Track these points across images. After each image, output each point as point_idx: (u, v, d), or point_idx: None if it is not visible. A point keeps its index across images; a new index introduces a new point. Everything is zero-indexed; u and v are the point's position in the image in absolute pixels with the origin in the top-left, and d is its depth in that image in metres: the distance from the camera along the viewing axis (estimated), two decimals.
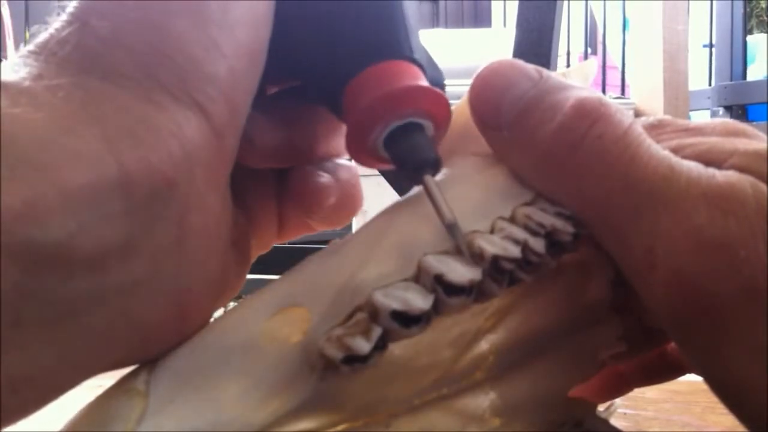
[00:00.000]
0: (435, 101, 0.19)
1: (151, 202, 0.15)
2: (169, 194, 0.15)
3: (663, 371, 0.26)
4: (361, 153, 0.19)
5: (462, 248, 0.17)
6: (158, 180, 0.15)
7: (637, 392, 0.27)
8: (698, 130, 0.19)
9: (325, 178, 0.23)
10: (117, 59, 0.15)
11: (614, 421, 0.23)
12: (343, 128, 0.20)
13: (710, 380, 0.17)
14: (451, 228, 0.18)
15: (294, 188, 0.23)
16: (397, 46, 0.19)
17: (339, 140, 0.23)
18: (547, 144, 0.18)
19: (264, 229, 0.23)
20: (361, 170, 0.21)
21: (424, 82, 0.19)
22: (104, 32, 0.15)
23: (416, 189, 0.20)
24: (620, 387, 0.26)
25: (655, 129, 0.20)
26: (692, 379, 0.18)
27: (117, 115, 0.15)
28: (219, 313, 0.20)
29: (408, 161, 0.18)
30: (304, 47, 0.19)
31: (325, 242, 0.19)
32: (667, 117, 0.21)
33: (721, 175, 0.17)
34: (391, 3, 0.19)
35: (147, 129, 0.15)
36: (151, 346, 0.16)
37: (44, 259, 0.13)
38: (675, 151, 0.18)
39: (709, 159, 0.18)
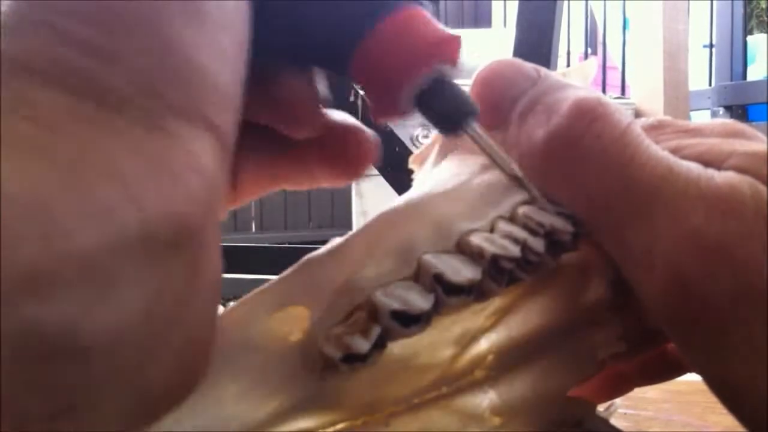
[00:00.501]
0: (456, 46, 0.18)
1: (171, 252, 0.12)
2: (189, 239, 0.13)
3: (663, 371, 0.26)
4: (389, 113, 0.18)
5: (535, 197, 0.18)
6: (182, 225, 0.12)
7: (637, 392, 0.27)
8: (697, 131, 0.19)
9: (365, 131, 0.21)
10: (113, 77, 0.12)
11: (614, 421, 0.23)
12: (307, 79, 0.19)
13: (709, 380, 0.17)
14: (517, 180, 0.18)
15: (342, 145, 0.21)
16: None
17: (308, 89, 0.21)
18: (545, 144, 0.18)
19: (250, 186, 0.22)
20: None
21: (440, 26, 0.18)
22: (89, 42, 0.12)
23: (415, 188, 0.20)
24: (620, 387, 0.26)
25: (655, 130, 0.20)
26: (692, 379, 0.18)
27: (127, 151, 0.12)
28: (219, 312, 0.19)
29: (450, 115, 0.18)
30: (298, 16, 0.17)
31: (325, 242, 0.19)
32: (667, 118, 0.21)
33: (719, 176, 0.17)
34: None
35: (163, 164, 0.12)
36: (158, 413, 0.14)
37: (52, 344, 0.11)
38: (674, 151, 0.18)
39: (708, 160, 0.18)
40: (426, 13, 0.18)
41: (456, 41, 0.17)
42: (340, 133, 0.21)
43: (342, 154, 0.21)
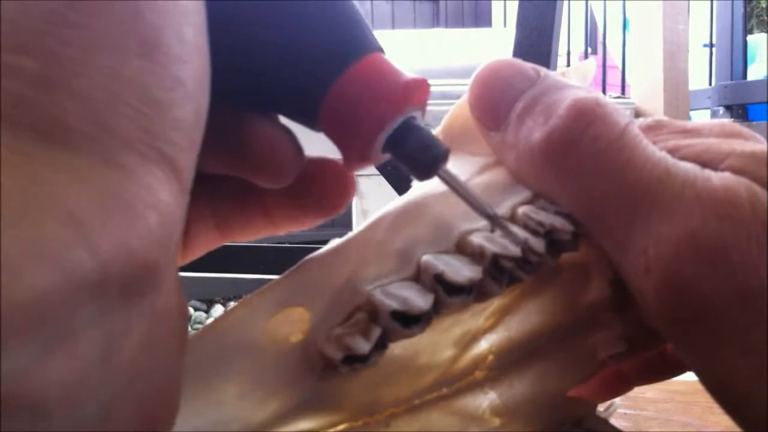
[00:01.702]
0: (425, 89, 0.18)
1: (127, 296, 0.11)
2: (146, 282, 0.12)
3: (663, 370, 0.26)
4: (362, 160, 0.18)
5: (512, 236, 0.17)
6: (138, 267, 0.11)
7: (637, 392, 0.27)
8: (695, 132, 0.19)
9: (344, 169, 0.20)
10: (61, 110, 0.11)
11: (614, 421, 0.23)
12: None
13: (706, 382, 0.17)
14: (493, 219, 0.18)
15: (319, 181, 0.20)
16: (365, 40, 0.17)
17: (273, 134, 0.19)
18: (542, 145, 0.18)
19: (199, 241, 0.21)
20: (362, 170, 0.20)
21: (405, 71, 0.18)
22: (35, 75, 0.11)
23: (415, 188, 0.20)
24: (620, 386, 0.26)
25: (653, 130, 0.20)
26: (692, 379, 0.18)
27: (77, 187, 0.11)
28: (220, 313, 0.19)
29: (422, 159, 0.17)
30: (261, 66, 0.17)
31: (325, 242, 0.19)
32: (665, 118, 0.21)
33: (716, 178, 0.17)
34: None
35: (117, 201, 0.11)
36: None
37: (3, 399, 0.10)
38: (672, 152, 0.18)
39: (706, 160, 0.18)
40: (386, 59, 0.17)
41: (424, 85, 0.17)
42: (315, 172, 0.20)
43: (317, 195, 0.20)
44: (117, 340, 0.11)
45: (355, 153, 0.17)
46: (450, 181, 0.18)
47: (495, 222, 0.18)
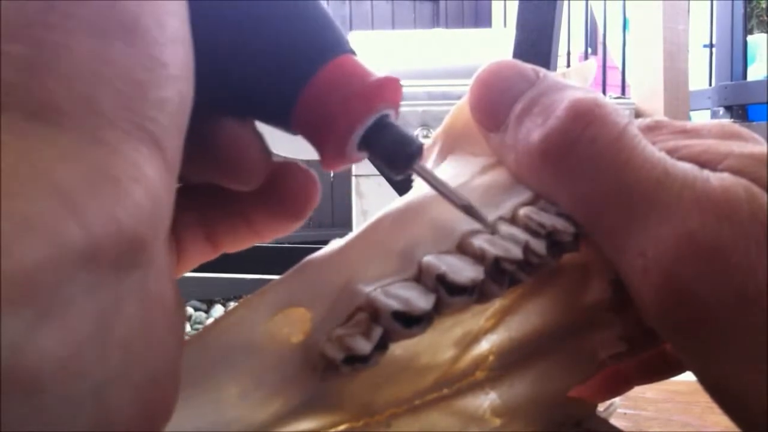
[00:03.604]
0: (396, 88, 0.18)
1: (118, 271, 0.12)
2: (136, 258, 0.12)
3: (663, 370, 0.26)
4: (339, 160, 0.18)
5: (485, 224, 0.18)
6: (127, 241, 0.12)
7: (637, 392, 0.27)
8: (695, 132, 0.19)
9: (309, 174, 0.20)
10: (46, 91, 0.12)
11: (614, 421, 0.23)
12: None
13: (704, 382, 0.17)
14: (467, 209, 0.18)
15: (286, 188, 0.20)
16: (336, 41, 0.17)
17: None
18: (540, 146, 0.18)
19: (191, 254, 0.21)
20: (362, 170, 0.20)
21: (373, 71, 0.18)
22: (18, 57, 0.12)
23: (416, 189, 0.20)
24: (620, 386, 0.26)
25: (652, 130, 0.20)
26: (692, 379, 0.18)
27: (66, 164, 0.11)
28: (220, 313, 0.19)
29: (397, 156, 0.18)
30: (233, 70, 0.17)
31: (325, 242, 0.19)
32: (664, 118, 0.21)
33: (715, 179, 0.17)
34: (311, 1, 0.17)
35: (104, 176, 0.12)
36: None
37: None
38: (671, 152, 0.18)
39: (705, 161, 0.18)
40: (357, 59, 0.18)
41: (395, 83, 0.18)
42: (281, 177, 0.20)
43: (285, 198, 0.20)
44: (109, 315, 0.12)
45: (331, 152, 0.18)
46: (425, 175, 0.18)
47: (471, 214, 0.18)
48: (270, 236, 0.21)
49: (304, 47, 0.17)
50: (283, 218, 0.21)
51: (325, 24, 0.17)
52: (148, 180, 0.12)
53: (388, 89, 0.17)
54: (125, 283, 0.12)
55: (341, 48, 0.17)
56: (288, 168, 0.20)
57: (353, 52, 0.18)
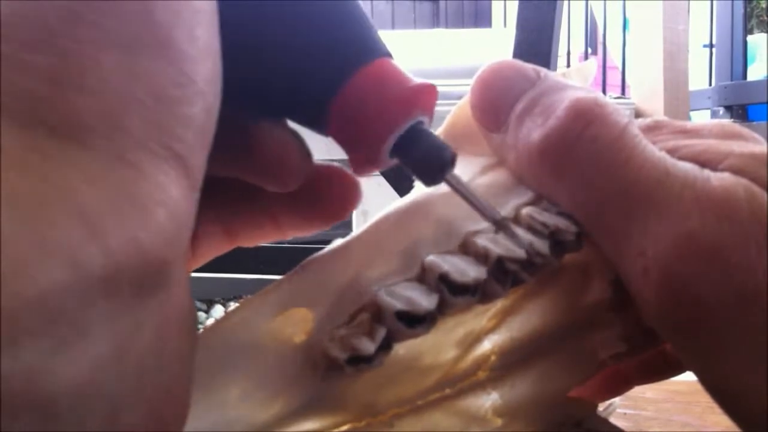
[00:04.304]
0: (432, 94, 0.18)
1: (138, 294, 0.11)
2: (157, 280, 0.12)
3: (663, 370, 0.26)
4: (371, 165, 0.18)
5: (517, 239, 0.18)
6: (150, 265, 0.11)
7: (637, 392, 0.27)
8: (695, 132, 0.19)
9: (352, 177, 0.20)
10: (71, 107, 0.11)
11: (614, 421, 0.23)
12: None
13: (705, 382, 0.17)
14: (499, 223, 0.18)
15: (327, 190, 0.20)
16: (374, 44, 0.17)
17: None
18: (541, 146, 0.18)
19: (206, 248, 0.21)
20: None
21: (411, 76, 0.18)
22: (46, 71, 0.11)
23: (418, 189, 0.20)
24: (620, 386, 0.26)
25: (652, 130, 0.20)
26: (692, 379, 0.18)
27: (89, 185, 0.11)
28: (220, 313, 0.19)
29: (430, 164, 0.17)
30: (270, 70, 0.17)
31: (326, 242, 0.19)
32: (664, 118, 0.21)
33: (715, 178, 0.17)
34: (351, 2, 0.17)
35: (128, 199, 0.11)
36: None
37: (14, 398, 0.09)
38: (671, 152, 0.18)
39: (705, 160, 0.18)
40: (395, 63, 0.17)
41: (432, 90, 0.17)
42: (322, 178, 0.20)
43: (324, 200, 0.20)
44: (127, 339, 0.11)
45: (363, 157, 0.17)
46: (457, 186, 0.18)
47: (502, 227, 0.18)
48: (294, 234, 0.21)
49: (341, 49, 0.17)
50: (317, 220, 0.21)
51: (363, 26, 0.17)
52: (172, 201, 0.12)
53: (425, 95, 0.17)
54: (145, 307, 0.12)
55: (379, 51, 0.17)
56: (329, 171, 0.20)
57: (390, 56, 0.17)
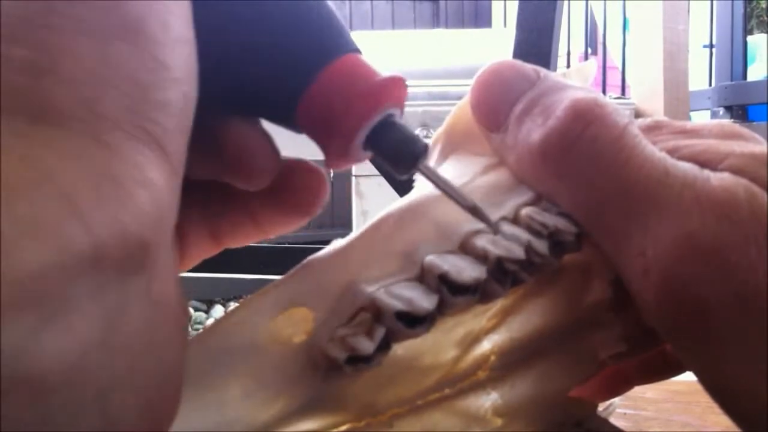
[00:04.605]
0: (402, 87, 0.18)
1: (122, 275, 0.12)
2: (141, 261, 0.12)
3: (663, 370, 0.26)
4: (344, 159, 0.18)
5: (490, 225, 0.18)
6: (132, 245, 0.12)
7: (637, 392, 0.27)
8: (695, 132, 0.19)
9: (318, 170, 0.21)
10: (49, 93, 0.12)
11: (614, 421, 0.23)
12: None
13: (705, 382, 0.17)
14: (473, 210, 0.18)
15: (295, 185, 0.20)
16: (340, 41, 0.17)
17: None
18: (540, 146, 0.18)
19: (194, 249, 0.21)
20: (362, 170, 0.20)
21: (379, 71, 0.18)
22: (23, 61, 0.12)
23: (417, 189, 0.20)
24: (620, 386, 0.26)
25: (652, 130, 0.20)
26: (692, 379, 0.18)
27: (70, 167, 0.11)
28: (220, 313, 0.19)
29: (402, 155, 0.18)
30: (238, 68, 0.17)
31: (326, 242, 0.19)
32: (664, 118, 0.21)
33: (715, 179, 0.17)
34: (315, 1, 0.17)
35: (109, 180, 0.12)
36: None
37: (2, 374, 0.10)
38: (671, 152, 0.18)
39: (705, 160, 0.18)
40: (363, 58, 0.17)
41: (401, 83, 0.18)
42: (290, 174, 0.20)
43: (294, 195, 0.20)
44: (114, 320, 0.11)
45: (335, 151, 0.17)
46: (431, 175, 0.18)
47: (476, 214, 0.18)
48: (275, 233, 0.21)
49: (309, 45, 0.17)
50: (291, 215, 0.21)
51: (330, 22, 0.17)
52: (152, 183, 0.12)
53: (394, 88, 0.17)
54: (130, 287, 0.12)
55: (346, 47, 0.17)
56: (297, 165, 0.20)
57: (358, 51, 0.18)
